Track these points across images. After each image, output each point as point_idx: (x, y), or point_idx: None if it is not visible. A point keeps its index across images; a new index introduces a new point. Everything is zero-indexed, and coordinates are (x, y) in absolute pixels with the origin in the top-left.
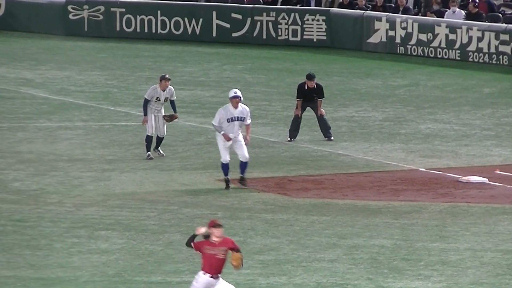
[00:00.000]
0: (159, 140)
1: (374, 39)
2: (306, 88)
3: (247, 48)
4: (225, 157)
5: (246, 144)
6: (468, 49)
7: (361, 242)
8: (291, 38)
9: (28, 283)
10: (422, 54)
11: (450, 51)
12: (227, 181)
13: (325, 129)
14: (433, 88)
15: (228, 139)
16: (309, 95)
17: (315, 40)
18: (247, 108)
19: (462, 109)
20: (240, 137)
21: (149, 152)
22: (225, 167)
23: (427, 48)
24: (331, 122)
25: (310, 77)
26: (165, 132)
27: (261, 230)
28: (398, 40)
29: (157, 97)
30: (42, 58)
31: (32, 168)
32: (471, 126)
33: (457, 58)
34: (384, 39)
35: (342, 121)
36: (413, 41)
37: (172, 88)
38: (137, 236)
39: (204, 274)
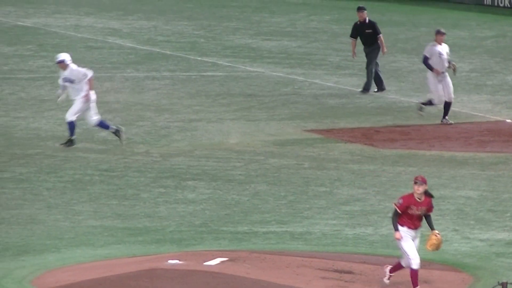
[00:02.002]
0: (448, 105)
1: None
2: (358, 23)
3: None
4: (70, 117)
5: (86, 100)
6: None
7: (447, 193)
8: None
9: (115, 233)
10: (509, 5)
11: None
12: (70, 141)
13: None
14: None
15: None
16: (363, 32)
17: None
18: (80, 70)
19: None
20: (79, 102)
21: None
22: (70, 126)
23: None
24: (418, 73)
25: (359, 8)
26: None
27: (348, 180)
28: None
29: (439, 53)
30: (130, 8)
31: (119, 118)
32: None
33: None
34: None
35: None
36: None
37: (446, 45)
38: (223, 186)
39: (406, 228)
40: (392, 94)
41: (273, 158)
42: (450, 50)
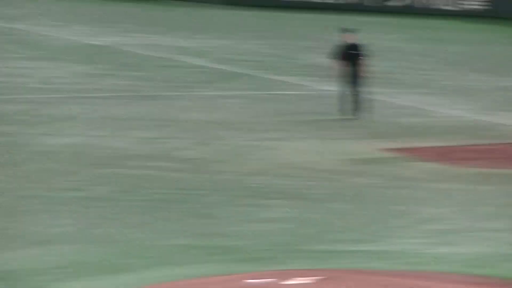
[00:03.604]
0: None
1: None
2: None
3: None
4: None
5: None
6: None
7: None
8: (447, 8)
9: (194, 252)
10: None
11: None
12: None
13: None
14: None
15: None
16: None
17: (476, 8)
18: None
19: None
20: None
21: None
22: None
23: None
24: (491, 92)
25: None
26: None
27: (424, 199)
28: None
29: None
30: (201, 27)
31: (194, 136)
32: None
33: None
34: None
35: (501, 91)
36: None
37: None
38: (303, 204)
39: None
40: (464, 113)
41: (351, 177)
42: None
